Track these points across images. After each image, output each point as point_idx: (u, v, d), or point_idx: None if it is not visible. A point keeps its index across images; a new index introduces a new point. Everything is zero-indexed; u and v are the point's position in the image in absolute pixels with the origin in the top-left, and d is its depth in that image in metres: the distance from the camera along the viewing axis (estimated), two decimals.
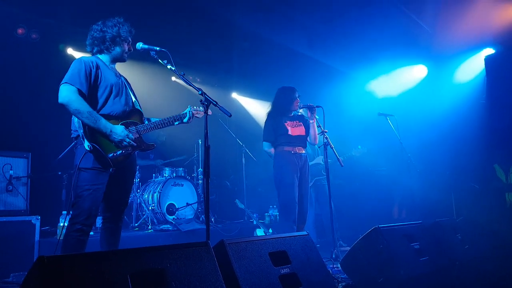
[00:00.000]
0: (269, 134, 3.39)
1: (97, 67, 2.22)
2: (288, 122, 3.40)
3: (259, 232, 4.37)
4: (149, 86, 5.17)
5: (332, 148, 3.38)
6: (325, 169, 3.45)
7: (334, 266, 2.89)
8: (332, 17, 4.74)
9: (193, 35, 4.98)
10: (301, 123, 3.47)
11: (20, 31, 4.18)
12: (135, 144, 2.23)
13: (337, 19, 4.76)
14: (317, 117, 3.43)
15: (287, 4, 4.51)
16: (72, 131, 2.23)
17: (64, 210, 3.50)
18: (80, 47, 4.55)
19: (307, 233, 2.09)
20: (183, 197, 4.62)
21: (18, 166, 3.27)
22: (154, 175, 4.94)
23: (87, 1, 3.95)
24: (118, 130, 2.16)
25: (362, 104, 5.91)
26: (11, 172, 3.20)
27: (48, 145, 3.96)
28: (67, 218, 2.11)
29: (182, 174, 4.86)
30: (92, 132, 2.09)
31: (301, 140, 3.43)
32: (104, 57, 2.33)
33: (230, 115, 2.13)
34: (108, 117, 2.17)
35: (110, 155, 2.13)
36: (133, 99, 2.40)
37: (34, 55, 4.23)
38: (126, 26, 2.33)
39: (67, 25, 4.39)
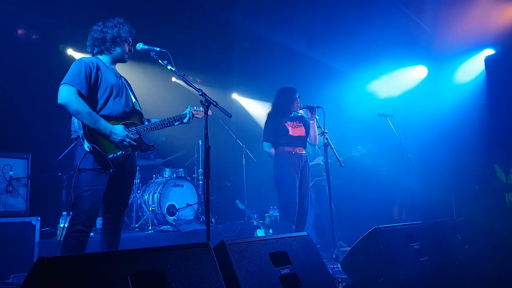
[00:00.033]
0: (269, 134, 3.39)
1: (97, 68, 2.22)
2: (289, 122, 3.41)
3: (260, 233, 4.36)
4: (149, 87, 5.17)
5: (332, 148, 3.39)
6: (325, 169, 3.45)
7: (335, 266, 2.89)
8: (332, 17, 4.74)
9: (193, 36, 4.98)
10: (301, 123, 3.47)
11: (20, 31, 4.18)
12: (135, 144, 2.23)
13: (337, 19, 4.76)
14: (317, 117, 3.43)
15: (287, 4, 4.51)
16: (72, 132, 2.23)
17: (64, 211, 3.50)
18: (80, 48, 4.55)
19: (307, 234, 2.09)
20: (183, 198, 4.62)
21: (18, 167, 3.27)
22: (154, 176, 4.94)
23: (87, 1, 3.95)
24: (118, 131, 2.16)
25: (362, 105, 5.92)
26: (11, 173, 3.20)
27: (48, 146, 3.95)
28: (67, 219, 2.11)
29: (183, 175, 4.86)
30: (92, 133, 2.09)
31: (302, 141, 3.43)
32: (104, 58, 2.33)
33: (230, 116, 2.13)
34: (108, 118, 2.17)
35: (110, 156, 2.13)
36: (133, 99, 2.40)
37: (34, 56, 4.23)
38: (127, 27, 2.33)
39: (67, 25, 4.39)
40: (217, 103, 2.15)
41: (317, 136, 3.47)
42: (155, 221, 4.32)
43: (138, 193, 4.50)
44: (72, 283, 1.11)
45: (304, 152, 3.42)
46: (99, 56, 2.32)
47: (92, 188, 2.08)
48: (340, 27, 4.91)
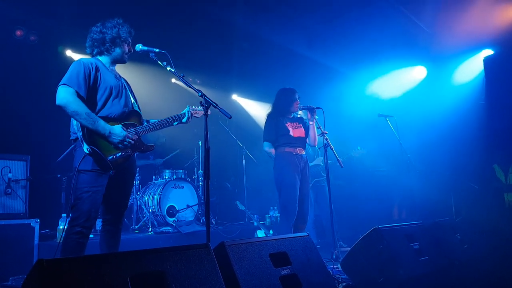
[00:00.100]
0: (270, 134, 3.39)
1: (97, 69, 2.21)
2: (289, 123, 3.41)
3: (260, 234, 4.36)
4: (149, 88, 5.17)
5: (332, 149, 3.39)
6: (325, 170, 3.46)
7: (335, 266, 2.88)
8: (332, 18, 4.75)
9: (192, 37, 4.98)
10: (301, 124, 3.48)
11: (18, 33, 4.18)
12: (133, 142, 2.22)
13: (337, 20, 4.77)
14: (316, 117, 3.43)
15: (286, 4, 4.52)
16: (71, 133, 2.22)
17: (64, 213, 3.49)
18: (79, 49, 4.55)
19: (307, 234, 2.09)
20: (183, 199, 4.62)
21: (17, 169, 3.26)
22: (154, 177, 4.93)
23: (86, 2, 3.95)
24: (117, 131, 2.15)
25: (361, 105, 5.93)
26: (9, 175, 3.19)
27: (47, 147, 3.95)
28: (67, 221, 2.11)
29: (183, 176, 4.86)
30: (91, 135, 2.09)
31: (302, 142, 3.44)
32: (104, 59, 2.32)
33: (230, 117, 2.12)
34: (107, 119, 2.17)
35: (110, 157, 2.13)
36: (132, 100, 2.40)
37: (33, 57, 4.22)
38: (126, 27, 2.33)
39: (66, 26, 4.39)
40: (216, 104, 2.15)
41: (317, 137, 3.48)
42: (155, 223, 4.32)
43: (138, 194, 4.50)
44: (71, 285, 1.11)
45: (304, 153, 3.42)
46: (99, 57, 2.32)
47: (92, 190, 2.08)
48: (339, 28, 4.92)
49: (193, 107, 2.51)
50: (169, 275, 1.32)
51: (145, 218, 4.32)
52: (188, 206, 4.57)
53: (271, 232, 4.36)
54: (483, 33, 4.75)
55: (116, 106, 2.24)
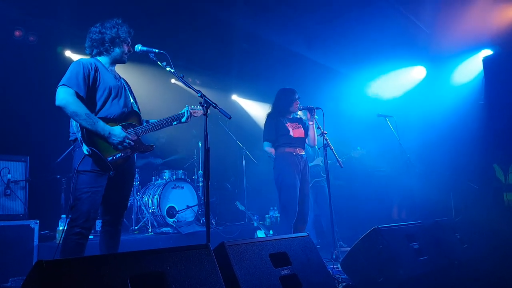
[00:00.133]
0: (270, 134, 3.39)
1: (96, 70, 2.21)
2: (289, 123, 3.41)
3: (260, 234, 4.36)
4: (149, 89, 5.16)
5: (331, 149, 3.39)
6: (325, 170, 3.46)
7: (335, 266, 2.89)
8: (331, 18, 4.76)
9: (192, 37, 4.98)
10: (300, 125, 3.48)
11: (17, 33, 4.17)
12: (133, 144, 2.22)
13: (336, 20, 4.78)
14: (316, 117, 3.43)
15: (286, 4, 4.52)
16: (70, 134, 2.22)
17: (63, 214, 3.49)
18: (78, 50, 4.55)
19: (307, 234, 2.09)
20: (183, 199, 4.61)
21: (16, 170, 3.26)
22: (154, 177, 4.93)
23: (85, 3, 3.95)
24: (117, 132, 2.15)
25: (361, 105, 5.93)
26: (9, 176, 3.19)
27: (47, 148, 3.94)
28: (66, 222, 2.10)
29: (182, 177, 4.86)
30: (90, 136, 2.08)
31: (301, 142, 3.44)
32: (103, 59, 2.32)
33: (230, 117, 2.12)
34: (106, 119, 2.17)
35: (110, 158, 2.13)
36: (132, 101, 2.40)
37: (32, 58, 4.21)
38: (125, 27, 2.32)
39: (65, 27, 4.38)
40: (216, 105, 2.15)
41: (316, 138, 3.48)
42: (155, 223, 4.31)
43: (137, 195, 4.49)
44: (71, 286, 1.11)
45: (304, 153, 3.43)
46: (98, 58, 2.32)
47: (91, 190, 2.07)
48: (339, 28, 4.92)
49: (192, 106, 2.51)
50: (169, 275, 1.32)
51: (145, 219, 4.32)
52: (188, 207, 4.57)
53: (271, 232, 4.36)
54: (482, 33, 4.76)
55: (116, 106, 2.24)
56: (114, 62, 2.36)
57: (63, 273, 1.11)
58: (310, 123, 3.43)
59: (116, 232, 2.28)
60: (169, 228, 4.11)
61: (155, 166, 5.23)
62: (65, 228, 2.07)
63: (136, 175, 4.48)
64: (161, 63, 2.30)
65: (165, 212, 4.37)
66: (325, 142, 3.37)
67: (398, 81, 6.01)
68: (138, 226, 4.29)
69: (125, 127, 2.23)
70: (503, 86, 4.58)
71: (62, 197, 3.93)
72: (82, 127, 2.07)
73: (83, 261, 1.20)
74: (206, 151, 2.05)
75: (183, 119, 2.45)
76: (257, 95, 6.76)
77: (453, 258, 2.66)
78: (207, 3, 4.37)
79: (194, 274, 1.38)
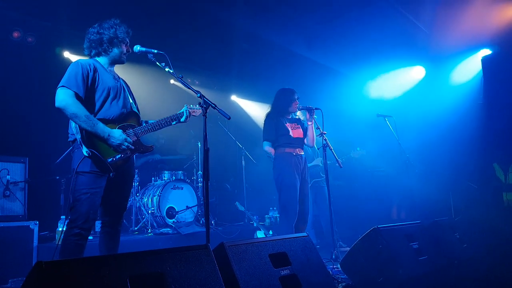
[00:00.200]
0: (270, 134, 3.39)
1: (95, 70, 2.21)
2: (288, 123, 3.41)
3: (260, 234, 4.36)
4: (148, 89, 5.16)
5: (331, 149, 3.39)
6: (324, 170, 3.46)
7: (334, 266, 2.89)
8: (331, 18, 4.76)
9: (191, 37, 4.98)
10: (299, 125, 3.48)
11: (15, 34, 4.17)
12: (133, 147, 2.22)
13: (336, 20, 4.78)
14: (315, 117, 3.43)
15: (286, 5, 4.52)
16: (69, 135, 2.21)
17: (63, 215, 3.49)
18: (77, 51, 4.54)
19: (307, 235, 2.09)
20: (183, 200, 4.61)
21: (15, 171, 3.25)
22: (153, 178, 4.93)
23: (84, 4, 3.95)
24: (116, 134, 2.15)
25: (360, 105, 5.94)
26: (8, 177, 3.19)
27: (46, 149, 3.94)
28: (66, 223, 2.10)
29: (182, 177, 4.85)
30: (89, 137, 2.08)
31: (301, 142, 3.44)
32: (102, 60, 2.32)
33: (229, 118, 2.12)
34: (105, 120, 2.16)
35: (109, 160, 2.12)
36: (131, 101, 2.40)
37: (31, 59, 4.21)
38: (123, 27, 2.32)
39: (64, 28, 4.37)
40: (215, 105, 2.15)
41: (315, 138, 3.48)
42: (155, 224, 4.31)
43: (137, 196, 4.49)
44: (70, 287, 1.11)
45: (303, 153, 3.43)
46: (97, 58, 2.32)
47: (90, 191, 2.07)
48: (338, 28, 4.93)
49: (191, 105, 2.50)
50: (168, 276, 1.32)
51: (144, 220, 4.31)
52: (187, 207, 4.56)
53: (270, 232, 4.36)
54: (481, 33, 4.77)
55: (114, 107, 2.24)
56: (113, 62, 2.36)
57: (62, 274, 1.11)
58: (309, 123, 3.43)
59: (115, 233, 2.28)
60: (168, 229, 4.10)
61: (153, 163, 5.21)
62: (64, 229, 2.07)
63: (136, 176, 4.47)
64: (160, 63, 2.30)
65: (165, 213, 4.37)
66: (324, 142, 3.37)
67: (398, 81, 6.01)
68: (138, 226, 4.28)
69: (124, 128, 2.23)
70: (502, 86, 4.59)
71: (61, 198, 3.93)
72: (81, 129, 2.06)
73: (83, 262, 1.19)
74: (206, 151, 2.05)
75: (182, 119, 2.45)
76: (257, 96, 6.76)
77: (452, 257, 2.66)
78: (207, 3, 4.37)
79: (193, 275, 1.38)
